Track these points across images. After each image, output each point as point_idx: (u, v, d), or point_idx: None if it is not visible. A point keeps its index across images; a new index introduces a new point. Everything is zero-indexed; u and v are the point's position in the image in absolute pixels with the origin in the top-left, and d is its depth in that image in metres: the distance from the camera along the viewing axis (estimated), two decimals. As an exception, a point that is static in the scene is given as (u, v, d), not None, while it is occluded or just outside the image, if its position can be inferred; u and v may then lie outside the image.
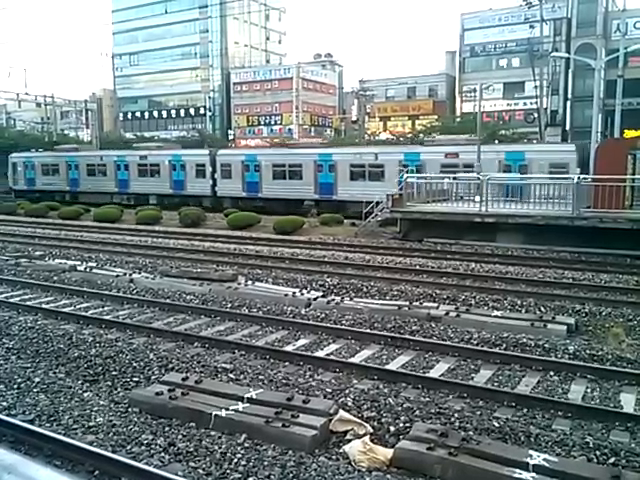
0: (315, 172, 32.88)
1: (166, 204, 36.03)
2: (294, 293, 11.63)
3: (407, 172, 26.06)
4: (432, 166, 28.35)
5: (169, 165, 38.82)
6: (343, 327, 9.48)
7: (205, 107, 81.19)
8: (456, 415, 6.11)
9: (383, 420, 6.05)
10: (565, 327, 9.36)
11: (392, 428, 5.90)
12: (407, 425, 5.88)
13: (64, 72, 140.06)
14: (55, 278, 13.56)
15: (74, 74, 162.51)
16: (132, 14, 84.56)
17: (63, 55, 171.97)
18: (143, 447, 5.49)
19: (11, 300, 11.34)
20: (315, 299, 11.19)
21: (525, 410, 6.46)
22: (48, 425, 5.94)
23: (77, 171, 43.86)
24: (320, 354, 8.33)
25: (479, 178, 20.74)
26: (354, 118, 55.45)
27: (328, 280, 13.35)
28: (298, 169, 33.48)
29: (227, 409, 5.98)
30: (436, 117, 58.31)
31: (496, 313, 10.16)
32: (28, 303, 11.12)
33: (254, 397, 6.25)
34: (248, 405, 6.08)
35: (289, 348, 8.59)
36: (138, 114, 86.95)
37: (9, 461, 2.54)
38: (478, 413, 6.28)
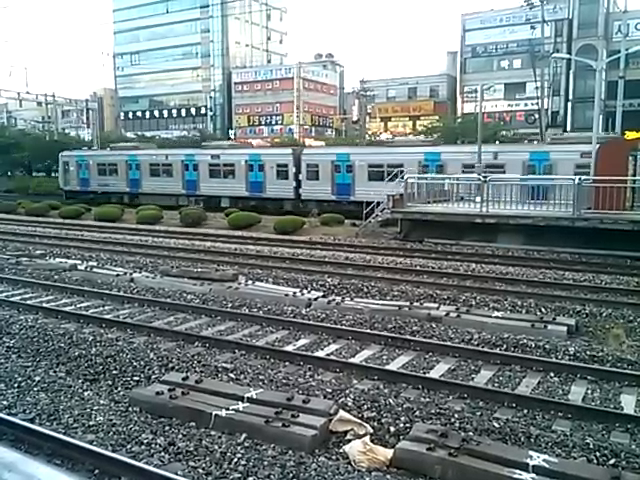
0: (420, 173, 28.20)
1: (240, 207, 32.29)
2: (294, 293, 11.63)
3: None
4: None
5: (245, 165, 35.40)
6: (343, 327, 9.48)
7: (206, 107, 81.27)
8: (456, 416, 6.11)
9: (383, 420, 6.05)
10: (565, 328, 9.35)
11: (392, 428, 5.90)
12: (407, 425, 5.88)
13: (65, 71, 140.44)
14: (56, 277, 13.56)
15: (75, 73, 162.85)
16: (133, 13, 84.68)
17: (64, 54, 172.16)
18: (143, 446, 5.49)
19: (12, 299, 11.34)
20: (316, 299, 11.18)
21: (525, 411, 6.46)
22: (48, 424, 5.95)
23: (138, 171, 40.37)
24: (320, 354, 8.33)
25: (480, 179, 20.73)
26: (355, 118, 55.53)
27: (329, 280, 13.35)
28: (398, 169, 28.55)
29: (227, 409, 5.98)
30: (437, 118, 58.30)
31: (496, 314, 10.16)
32: (29, 302, 11.12)
33: (254, 397, 6.25)
34: (248, 405, 6.08)
35: (289, 348, 8.59)
36: (139, 113, 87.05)
37: (9, 459, 2.55)
38: (478, 414, 6.29)
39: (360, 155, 32.40)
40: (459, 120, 51.55)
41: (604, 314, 10.48)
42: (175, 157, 39.13)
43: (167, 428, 5.91)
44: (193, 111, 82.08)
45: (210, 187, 37.01)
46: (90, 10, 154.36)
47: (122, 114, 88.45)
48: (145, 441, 5.59)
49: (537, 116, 47.66)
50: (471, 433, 5.67)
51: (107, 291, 12.11)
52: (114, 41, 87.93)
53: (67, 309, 10.64)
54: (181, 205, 34.92)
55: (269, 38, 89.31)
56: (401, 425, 5.93)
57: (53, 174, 62.10)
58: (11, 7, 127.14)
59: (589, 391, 7.08)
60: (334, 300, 11.05)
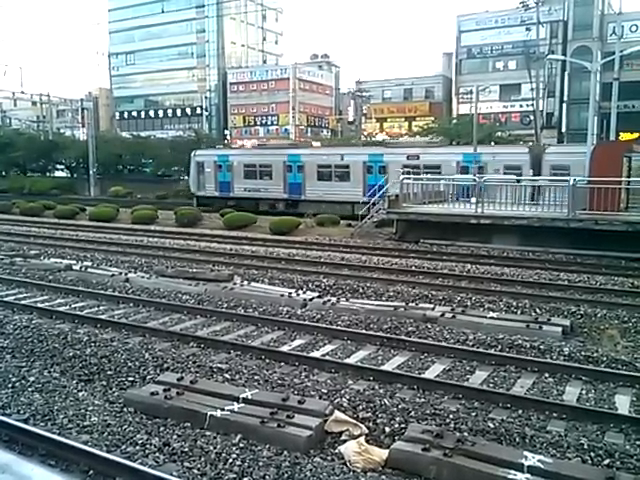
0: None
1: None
2: (290, 293, 11.62)
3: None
4: None
5: (457, 166, 29.65)
6: (339, 328, 9.48)
7: (202, 107, 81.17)
8: (451, 416, 6.12)
9: (378, 421, 6.05)
10: (560, 329, 9.38)
11: (387, 429, 5.91)
12: (402, 426, 5.88)
13: (60, 71, 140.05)
14: (50, 277, 13.52)
15: (70, 73, 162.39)
16: (129, 13, 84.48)
17: (59, 54, 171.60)
18: (138, 447, 5.47)
19: (6, 299, 11.29)
20: (311, 299, 11.18)
21: (520, 411, 6.46)
22: (43, 424, 5.92)
23: (301, 174, 33.78)
24: (316, 355, 8.33)
25: (474, 180, 20.78)
26: (351, 119, 55.56)
27: (324, 281, 13.35)
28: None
29: (222, 409, 5.96)
30: (432, 118, 58.41)
31: (492, 314, 10.18)
32: (23, 302, 11.08)
33: (249, 397, 6.24)
34: (243, 405, 6.07)
35: (285, 348, 8.59)
36: (134, 113, 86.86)
37: (3, 460, 2.53)
38: (473, 414, 6.29)
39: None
40: (454, 121, 51.64)
41: (599, 315, 10.52)
42: (354, 157, 33.00)
43: (162, 429, 5.89)
44: (188, 111, 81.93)
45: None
46: (85, 10, 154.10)
47: (117, 114, 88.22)
48: (140, 441, 5.57)
49: (532, 117, 47.76)
50: (466, 433, 5.68)
51: (102, 291, 12.08)
52: (109, 41, 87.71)
53: (62, 309, 10.60)
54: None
55: (265, 38, 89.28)
56: (396, 425, 5.94)
57: (48, 174, 62.02)
58: (5, 6, 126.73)
59: (584, 392, 7.09)
60: (330, 301, 11.04)
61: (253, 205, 33.48)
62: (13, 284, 12.77)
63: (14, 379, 7.24)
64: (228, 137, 75.41)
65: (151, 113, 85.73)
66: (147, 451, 5.39)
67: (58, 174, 63.54)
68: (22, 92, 52.28)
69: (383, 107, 67.78)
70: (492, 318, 9.91)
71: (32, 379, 7.25)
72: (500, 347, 8.56)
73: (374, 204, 23.48)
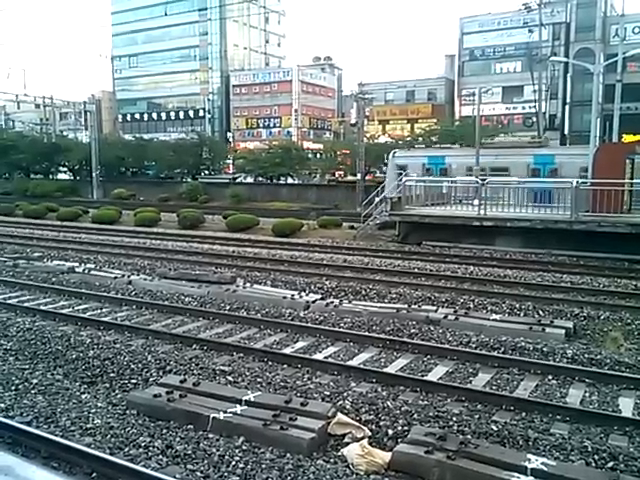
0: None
1: None
2: (292, 296, 11.61)
3: None
4: None
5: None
6: (341, 330, 9.48)
7: (204, 109, 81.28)
8: (454, 419, 6.10)
9: (381, 423, 6.04)
10: (563, 331, 9.36)
11: (390, 431, 5.90)
12: (405, 428, 5.87)
13: (63, 73, 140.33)
14: (53, 279, 13.53)
15: (73, 76, 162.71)
16: (131, 16, 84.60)
17: (62, 56, 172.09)
18: (141, 449, 5.47)
19: (9, 301, 11.31)
20: (314, 302, 11.18)
21: (523, 414, 6.45)
22: (46, 427, 5.92)
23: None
24: (318, 357, 8.32)
25: (477, 182, 20.76)
26: (353, 121, 55.51)
27: (327, 283, 13.35)
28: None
29: (225, 412, 5.96)
30: (435, 121, 58.38)
31: (494, 316, 10.17)
32: (26, 304, 11.08)
33: (252, 400, 6.24)
34: (246, 408, 6.07)
35: (287, 351, 8.58)
36: (137, 116, 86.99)
37: (6, 463, 2.53)
38: (476, 417, 6.28)
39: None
40: (457, 123, 51.60)
41: (602, 317, 10.49)
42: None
43: (165, 431, 5.89)
44: (191, 113, 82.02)
45: None
46: (88, 13, 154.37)
47: (120, 116, 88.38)
48: (143, 444, 5.57)
49: (535, 119, 47.72)
50: (469, 436, 5.66)
51: (105, 293, 12.09)
52: (112, 44, 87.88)
53: (65, 311, 10.61)
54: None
55: (267, 41, 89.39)
56: (399, 428, 5.93)
57: (51, 176, 62.07)
58: (9, 9, 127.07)
59: (587, 394, 7.07)
60: (332, 303, 11.03)
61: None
62: (16, 286, 12.80)
63: (17, 381, 7.24)
64: (230, 139, 75.50)
65: (154, 115, 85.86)
66: (150, 453, 5.39)
67: (61, 176, 63.56)
68: (25, 95, 52.40)
69: (385, 109, 67.75)
70: (495, 320, 9.90)
71: (35, 381, 7.26)
72: (503, 349, 8.55)
73: (376, 206, 23.46)
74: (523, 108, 56.39)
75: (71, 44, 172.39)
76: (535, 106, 45.87)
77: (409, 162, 30.70)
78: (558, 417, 6.36)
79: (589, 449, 5.51)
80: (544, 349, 8.46)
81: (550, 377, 7.54)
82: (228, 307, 11.03)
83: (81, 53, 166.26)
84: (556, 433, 5.96)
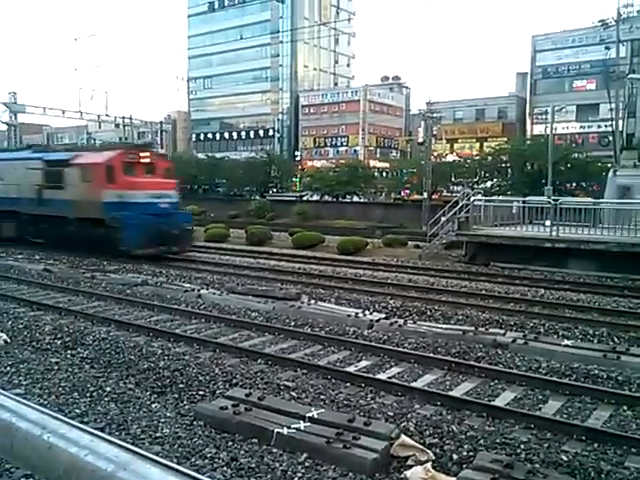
0: None
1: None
2: (357, 314, 11.60)
3: None
4: None
5: None
6: (406, 350, 9.38)
7: (274, 129, 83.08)
8: (522, 446, 5.92)
9: (446, 447, 5.93)
10: (640, 360, 8.92)
11: (455, 456, 5.77)
12: (471, 454, 5.74)
13: (142, 95, 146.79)
14: (128, 291, 14.10)
15: (151, 97, 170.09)
16: (207, 40, 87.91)
17: (142, 79, 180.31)
18: (207, 460, 5.60)
19: (87, 311, 11.87)
20: (378, 321, 11.13)
21: (596, 445, 6.17)
22: (117, 434, 6.14)
23: None
24: (382, 376, 8.27)
25: (550, 202, 20.17)
26: (420, 140, 55.25)
27: (391, 302, 13.27)
28: None
29: (289, 427, 6.01)
30: (505, 139, 57.22)
31: (566, 342, 9.79)
32: (102, 315, 11.58)
33: (315, 416, 6.26)
34: (309, 424, 6.10)
35: (351, 369, 8.57)
36: (210, 135, 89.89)
37: (124, 459, 2.83)
38: (545, 445, 6.06)
39: None
40: (528, 142, 50.38)
41: (684, 347, 9.92)
42: None
43: (230, 443, 6.00)
44: (261, 133, 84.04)
45: None
46: (167, 37, 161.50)
47: (194, 136, 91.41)
48: (209, 455, 5.70)
49: (611, 138, 45.96)
50: (537, 465, 5.48)
51: (175, 306, 12.48)
52: (188, 66, 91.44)
53: (138, 322, 11.03)
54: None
55: (337, 61, 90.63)
56: (464, 453, 5.80)
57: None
58: (95, 38, 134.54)
59: (666, 427, 6.70)
60: (396, 322, 10.95)
61: None
62: (93, 297, 13.42)
63: (92, 388, 7.57)
64: (298, 158, 76.61)
65: (226, 135, 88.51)
66: (215, 465, 5.50)
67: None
68: (106, 115, 54.98)
69: (454, 128, 67.08)
70: (567, 346, 9.53)
71: (108, 389, 7.56)
72: (575, 377, 8.22)
73: (442, 225, 23.19)
74: (599, 127, 54.52)
75: (150, 67, 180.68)
76: (611, 125, 44.20)
77: (635, 182, 24.58)
78: (633, 450, 6.05)
79: (668, 486, 5.21)
80: (619, 378, 8.07)
81: (625, 408, 7.19)
82: (293, 323, 11.15)
83: (159, 75, 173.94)
84: (631, 467, 5.67)
